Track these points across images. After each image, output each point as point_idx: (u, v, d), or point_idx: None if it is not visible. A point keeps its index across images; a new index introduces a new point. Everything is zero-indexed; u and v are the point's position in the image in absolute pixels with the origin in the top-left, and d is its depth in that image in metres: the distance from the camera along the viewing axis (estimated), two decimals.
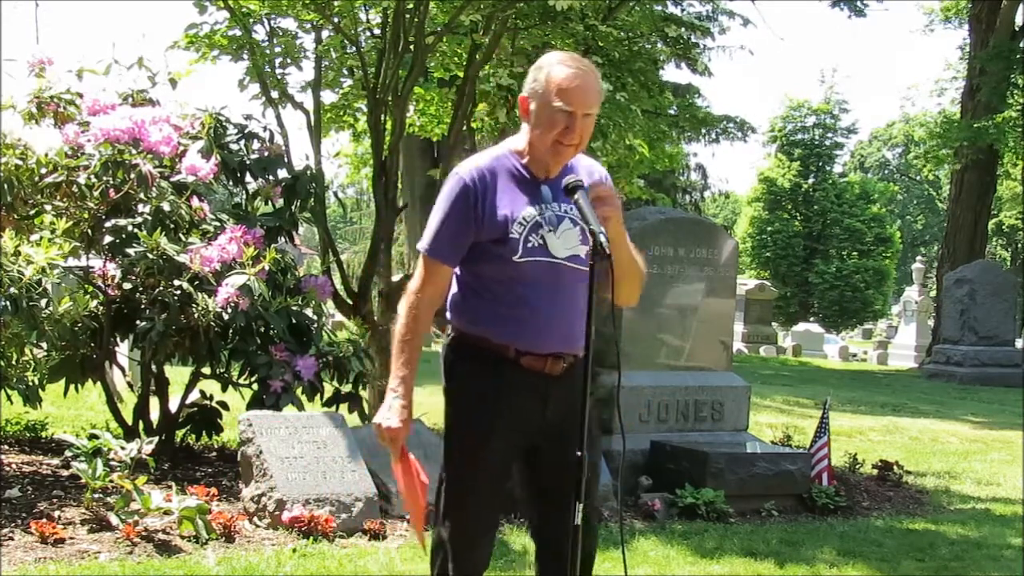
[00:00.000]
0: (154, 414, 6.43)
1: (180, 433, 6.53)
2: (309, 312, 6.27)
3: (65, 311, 5.47)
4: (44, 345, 5.79)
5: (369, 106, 7.62)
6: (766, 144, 46.18)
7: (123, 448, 5.07)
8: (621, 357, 4.25)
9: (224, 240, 5.81)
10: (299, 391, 6.04)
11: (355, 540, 5.09)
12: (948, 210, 26.28)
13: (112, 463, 4.98)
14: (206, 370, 6.34)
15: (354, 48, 7.63)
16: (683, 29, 7.84)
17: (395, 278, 8.29)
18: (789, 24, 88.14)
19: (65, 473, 5.67)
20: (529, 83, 2.89)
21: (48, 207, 5.82)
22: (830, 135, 45.92)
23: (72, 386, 6.28)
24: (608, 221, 2.75)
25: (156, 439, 5.65)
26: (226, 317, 5.66)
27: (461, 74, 7.75)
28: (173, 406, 6.48)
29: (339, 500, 5.22)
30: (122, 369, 7.05)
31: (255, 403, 5.96)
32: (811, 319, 38.28)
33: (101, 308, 5.95)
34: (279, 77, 7.61)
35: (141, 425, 6.30)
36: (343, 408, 6.39)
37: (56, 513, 4.93)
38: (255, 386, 6.12)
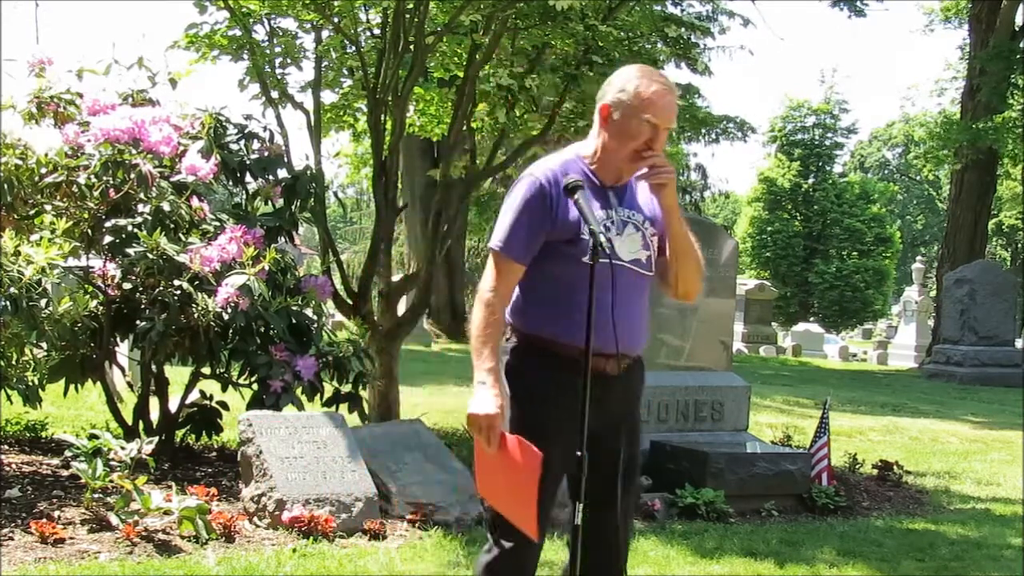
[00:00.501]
0: (154, 414, 6.43)
1: (180, 433, 6.53)
2: (309, 312, 6.27)
3: (65, 311, 5.47)
4: (44, 345, 5.79)
5: (369, 106, 7.61)
6: (766, 144, 46.24)
7: (123, 448, 5.07)
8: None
9: (224, 240, 5.81)
10: (299, 391, 6.04)
11: (355, 540, 5.09)
12: (948, 210, 26.29)
13: (112, 463, 4.98)
14: (206, 370, 6.34)
15: (354, 48, 7.62)
16: (683, 29, 7.82)
17: (395, 278, 8.30)
18: (789, 24, 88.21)
19: (65, 473, 5.67)
20: (613, 93, 2.96)
21: (48, 207, 5.82)
22: (830, 135, 45.95)
23: (72, 386, 6.28)
24: (662, 190, 2.91)
25: (156, 439, 5.65)
26: (226, 317, 5.66)
27: (461, 74, 7.74)
28: (173, 406, 6.48)
29: (339, 500, 5.22)
30: (122, 369, 7.05)
31: (255, 403, 5.96)
32: (811, 319, 38.29)
33: (101, 308, 5.95)
34: (279, 77, 7.60)
35: (141, 425, 6.30)
36: (343, 408, 6.39)
37: (56, 513, 4.93)
38: (255, 386, 6.12)
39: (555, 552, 4.62)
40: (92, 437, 5.08)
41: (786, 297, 40.01)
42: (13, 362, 5.63)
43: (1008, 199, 40.90)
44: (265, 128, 6.77)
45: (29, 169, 5.60)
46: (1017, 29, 23.09)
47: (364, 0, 7.49)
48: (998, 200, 36.01)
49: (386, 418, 7.25)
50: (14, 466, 5.88)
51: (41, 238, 5.35)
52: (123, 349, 6.93)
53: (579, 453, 2.69)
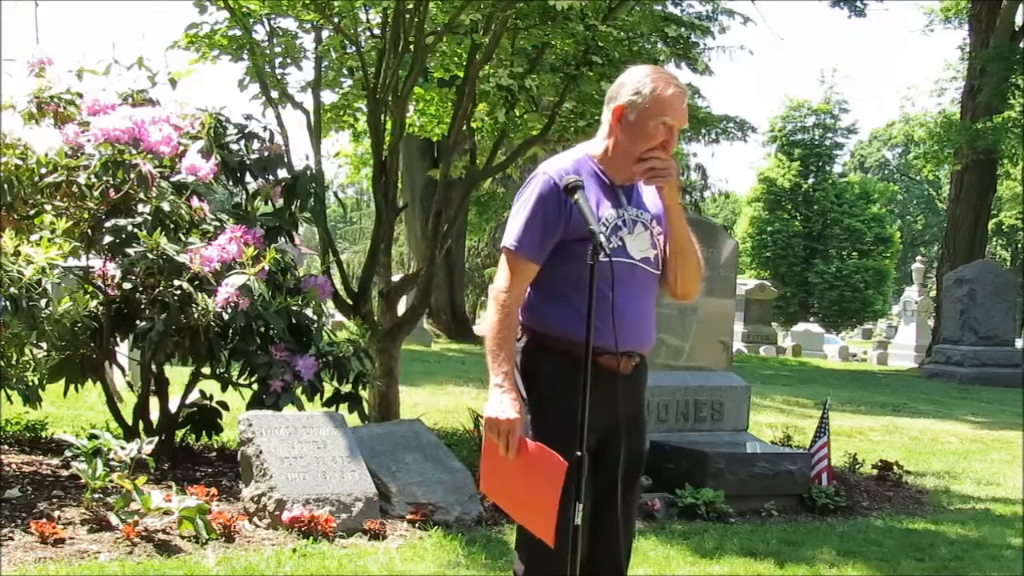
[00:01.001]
0: (154, 414, 6.42)
1: (180, 433, 6.53)
2: (309, 312, 6.27)
3: (65, 311, 5.47)
4: (44, 345, 5.80)
5: (369, 106, 7.61)
6: (766, 144, 46.24)
7: (123, 448, 5.07)
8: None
9: (224, 240, 5.81)
10: (299, 391, 6.03)
11: (355, 540, 5.09)
12: (948, 210, 26.30)
13: (112, 463, 4.98)
14: (206, 370, 6.34)
15: (354, 48, 7.62)
16: (683, 29, 7.81)
17: (395, 278, 8.29)
18: (789, 24, 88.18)
19: (65, 473, 5.67)
20: (627, 94, 2.97)
21: (48, 207, 5.82)
22: (830, 135, 45.95)
23: (72, 386, 6.28)
24: (663, 189, 2.95)
25: (156, 439, 5.64)
26: (226, 317, 5.66)
27: (461, 74, 7.74)
28: (173, 406, 6.48)
29: (339, 500, 5.22)
30: (122, 369, 7.05)
31: (255, 403, 5.96)
32: (811, 319, 38.28)
33: (101, 308, 5.95)
34: (279, 77, 7.60)
35: (141, 425, 6.30)
36: (343, 408, 6.39)
37: (56, 513, 4.93)
38: (255, 386, 6.13)
39: None
40: (92, 437, 5.08)
41: (786, 297, 40.01)
42: (13, 362, 5.63)
43: (1008, 199, 40.91)
44: (265, 128, 6.78)
45: (29, 169, 5.60)
46: (1017, 29, 23.10)
47: (364, 0, 7.49)
48: (998, 200, 36.04)
49: (386, 418, 7.25)
50: (14, 466, 5.88)
51: (41, 238, 5.35)
52: (123, 349, 6.93)
53: (578, 453, 2.68)
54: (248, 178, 6.65)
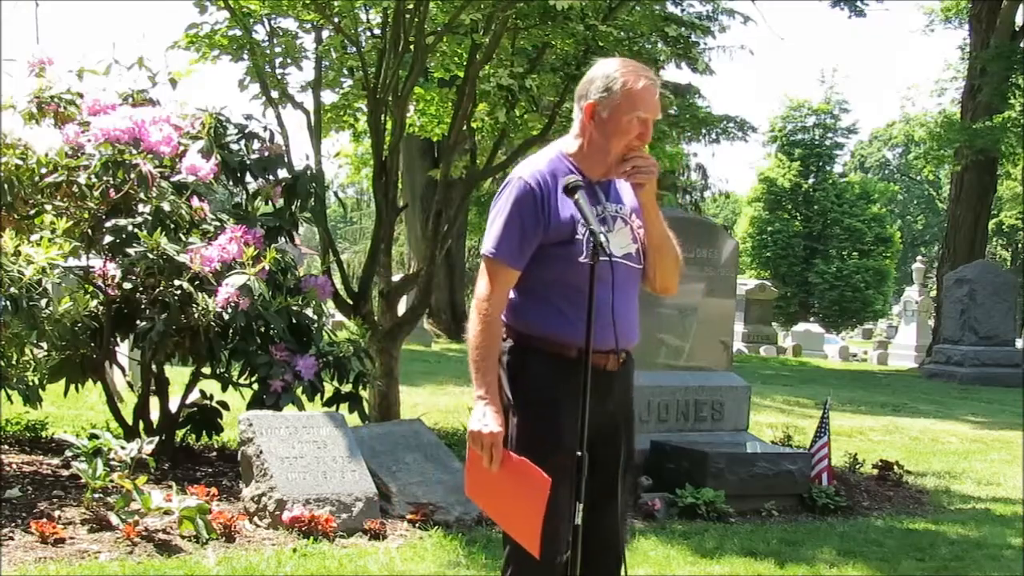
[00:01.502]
0: (154, 414, 6.42)
1: (180, 433, 6.53)
2: (309, 312, 6.27)
3: (65, 311, 5.47)
4: (44, 345, 5.79)
5: (369, 106, 7.61)
6: (766, 144, 46.26)
7: (123, 448, 5.07)
8: None
9: (224, 240, 5.81)
10: (299, 391, 6.04)
11: (355, 540, 5.09)
12: (948, 210, 26.29)
13: (112, 463, 4.98)
14: (206, 370, 6.34)
15: (354, 48, 7.62)
16: (683, 29, 7.82)
17: (395, 278, 8.29)
18: (789, 24, 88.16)
19: (65, 473, 5.67)
20: (597, 91, 2.92)
21: (48, 207, 5.82)
22: (830, 135, 45.96)
23: (72, 386, 6.28)
24: (640, 188, 2.92)
25: (156, 439, 5.64)
26: (226, 317, 5.66)
27: (461, 74, 7.74)
28: (173, 406, 6.48)
29: (339, 500, 5.22)
30: (122, 369, 7.05)
31: (255, 403, 5.96)
32: (811, 319, 38.28)
33: (101, 308, 5.95)
34: (279, 77, 7.60)
35: (141, 425, 6.30)
36: (343, 408, 6.39)
37: (56, 513, 4.93)
38: (255, 386, 6.13)
39: None
40: (92, 437, 5.08)
41: (786, 297, 40.01)
42: (13, 362, 5.63)
43: (1008, 199, 40.92)
44: (265, 128, 6.78)
45: (29, 169, 5.60)
46: (1017, 29, 23.09)
47: (364, 0, 7.49)
48: (998, 200, 36.02)
49: (386, 418, 7.25)
50: (14, 466, 5.88)
51: (41, 238, 5.35)
52: (123, 349, 6.93)
53: (579, 453, 2.68)
54: (248, 178, 6.65)
